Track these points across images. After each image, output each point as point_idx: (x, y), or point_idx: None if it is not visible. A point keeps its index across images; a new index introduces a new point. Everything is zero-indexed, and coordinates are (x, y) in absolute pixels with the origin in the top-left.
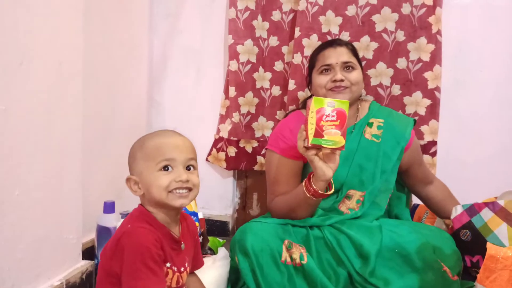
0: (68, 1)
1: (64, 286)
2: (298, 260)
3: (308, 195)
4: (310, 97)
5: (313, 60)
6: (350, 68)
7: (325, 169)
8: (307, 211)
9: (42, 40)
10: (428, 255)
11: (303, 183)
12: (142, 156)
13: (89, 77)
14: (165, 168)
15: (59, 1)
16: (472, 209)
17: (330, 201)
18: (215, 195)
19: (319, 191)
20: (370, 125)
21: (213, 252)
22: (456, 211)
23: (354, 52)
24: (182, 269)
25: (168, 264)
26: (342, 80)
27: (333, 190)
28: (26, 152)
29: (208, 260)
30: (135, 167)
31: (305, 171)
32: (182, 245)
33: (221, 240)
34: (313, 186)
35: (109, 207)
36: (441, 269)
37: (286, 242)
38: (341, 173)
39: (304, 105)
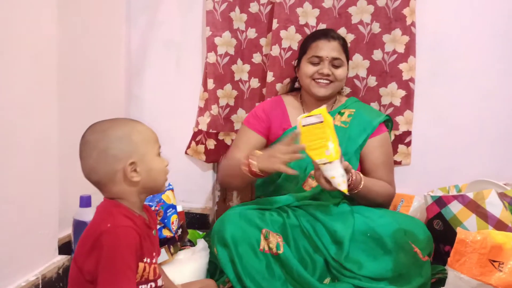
0: None
1: (40, 281)
2: (274, 250)
3: (247, 173)
4: (294, 81)
5: (305, 46)
6: (338, 64)
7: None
8: (240, 183)
9: (15, 30)
10: (399, 237)
11: (245, 158)
12: (142, 139)
13: (66, 71)
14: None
15: None
16: (441, 201)
17: (296, 183)
18: (195, 188)
19: (260, 174)
20: (342, 114)
21: (193, 244)
22: (427, 201)
23: (345, 47)
24: (154, 254)
25: (145, 259)
26: (328, 75)
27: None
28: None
29: (187, 252)
30: (137, 150)
31: None
32: (154, 231)
33: (200, 233)
34: (256, 169)
35: (85, 201)
36: (412, 250)
37: (263, 231)
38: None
39: (290, 90)
